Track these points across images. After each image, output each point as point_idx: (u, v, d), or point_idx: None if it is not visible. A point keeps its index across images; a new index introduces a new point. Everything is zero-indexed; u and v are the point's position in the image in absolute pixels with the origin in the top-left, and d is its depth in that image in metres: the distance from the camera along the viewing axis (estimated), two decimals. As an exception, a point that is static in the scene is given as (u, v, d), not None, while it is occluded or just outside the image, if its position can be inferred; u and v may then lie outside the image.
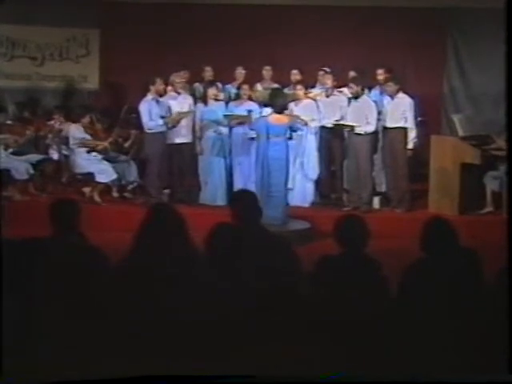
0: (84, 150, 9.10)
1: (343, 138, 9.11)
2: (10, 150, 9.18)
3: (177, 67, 9.46)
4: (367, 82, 9.18)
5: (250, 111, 8.94)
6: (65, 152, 9.49)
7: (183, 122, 9.07)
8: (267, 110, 8.56)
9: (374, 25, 10.59)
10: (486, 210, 8.60)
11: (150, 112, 8.82)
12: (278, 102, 8.25)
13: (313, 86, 9.49)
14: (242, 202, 4.39)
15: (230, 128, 9.08)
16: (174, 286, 3.75)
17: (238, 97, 9.34)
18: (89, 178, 9.10)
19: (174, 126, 8.98)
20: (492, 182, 8.54)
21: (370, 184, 8.91)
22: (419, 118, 9.32)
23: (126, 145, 9.57)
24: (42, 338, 3.55)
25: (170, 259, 3.83)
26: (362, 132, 8.70)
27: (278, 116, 8.16)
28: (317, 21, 10.65)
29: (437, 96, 11.08)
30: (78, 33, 11.21)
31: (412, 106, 8.79)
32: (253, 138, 8.64)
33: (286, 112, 8.50)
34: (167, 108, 9.02)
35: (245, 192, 4.84)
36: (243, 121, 8.89)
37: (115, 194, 9.40)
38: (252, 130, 8.50)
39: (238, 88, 9.40)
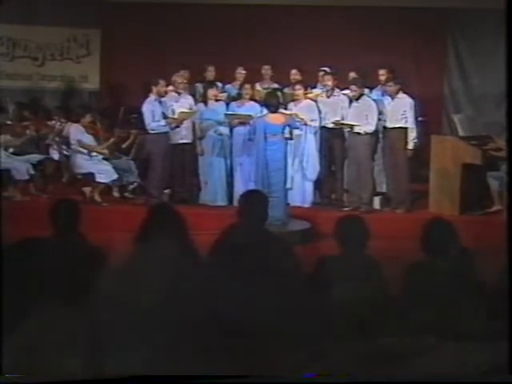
0: (85, 150, 9.10)
1: (343, 138, 9.10)
2: (11, 150, 9.19)
3: (177, 67, 9.46)
4: (368, 83, 9.18)
5: (251, 111, 8.94)
6: (65, 152, 9.50)
7: (184, 123, 9.07)
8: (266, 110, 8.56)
9: (374, 25, 10.60)
10: (494, 208, 8.53)
11: (153, 113, 8.82)
12: (274, 101, 8.23)
13: (314, 87, 9.49)
14: (251, 202, 4.34)
15: (231, 128, 9.08)
16: (175, 286, 3.74)
17: (239, 97, 9.34)
18: (89, 178, 9.10)
19: (177, 126, 8.98)
20: (492, 182, 8.53)
21: (370, 184, 8.90)
22: (420, 118, 9.31)
23: (125, 145, 9.58)
24: (41, 338, 3.55)
25: (171, 259, 3.83)
26: (362, 132, 8.70)
27: (274, 115, 8.15)
28: (317, 21, 10.65)
29: (437, 96, 11.09)
30: (78, 33, 11.23)
31: (412, 106, 8.78)
32: (251, 139, 8.64)
33: (286, 112, 8.49)
34: (170, 108, 9.02)
35: (255, 192, 4.77)
36: (245, 120, 8.89)
37: (116, 194, 9.42)
38: (250, 130, 8.48)
39: (240, 88, 9.41)
